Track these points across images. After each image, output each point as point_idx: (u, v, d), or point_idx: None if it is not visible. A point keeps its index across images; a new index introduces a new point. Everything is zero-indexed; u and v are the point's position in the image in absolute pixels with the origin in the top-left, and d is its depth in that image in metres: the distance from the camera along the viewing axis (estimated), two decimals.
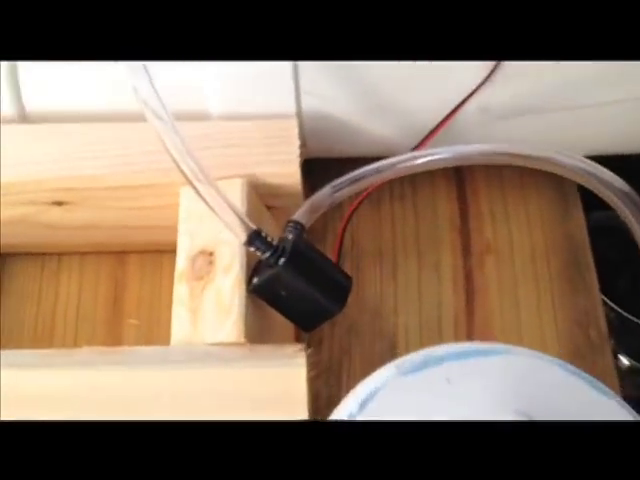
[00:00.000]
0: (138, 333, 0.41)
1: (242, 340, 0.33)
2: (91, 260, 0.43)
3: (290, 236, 0.34)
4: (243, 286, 0.34)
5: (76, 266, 0.43)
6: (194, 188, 0.32)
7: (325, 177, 0.45)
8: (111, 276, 0.42)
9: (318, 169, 0.44)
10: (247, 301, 0.34)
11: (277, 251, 0.33)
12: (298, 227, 0.35)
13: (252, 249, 0.33)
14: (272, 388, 0.32)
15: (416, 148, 0.40)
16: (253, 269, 0.35)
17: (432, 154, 0.37)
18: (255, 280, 0.34)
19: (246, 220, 0.33)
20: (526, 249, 0.44)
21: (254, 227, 0.33)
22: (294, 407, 0.31)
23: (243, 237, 0.33)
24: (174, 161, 0.32)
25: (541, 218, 0.45)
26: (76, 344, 0.41)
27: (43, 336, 0.41)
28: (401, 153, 0.43)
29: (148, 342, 0.41)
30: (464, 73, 0.38)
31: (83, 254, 0.43)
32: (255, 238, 0.33)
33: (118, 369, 0.32)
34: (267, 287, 0.34)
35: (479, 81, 0.38)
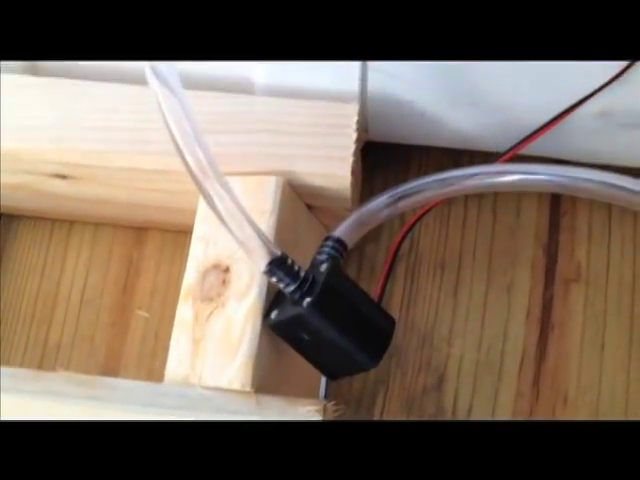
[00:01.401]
0: (146, 328, 0.35)
1: (248, 389, 0.27)
2: (105, 233, 0.37)
3: (323, 266, 0.27)
4: (259, 318, 0.27)
5: (88, 237, 0.37)
6: (200, 189, 0.25)
7: (389, 162, 0.37)
8: (125, 255, 0.36)
9: (383, 152, 0.37)
10: (261, 338, 0.27)
11: (304, 285, 0.26)
12: (337, 249, 0.28)
13: (273, 280, 0.26)
14: None
15: (510, 152, 0.31)
16: (275, 296, 0.28)
17: (530, 172, 0.28)
18: (274, 315, 0.27)
19: (268, 242, 0.26)
20: (625, 280, 0.36)
21: (278, 252, 0.26)
22: None
23: (262, 264, 0.26)
24: (176, 148, 0.25)
25: None
26: (77, 331, 0.36)
27: (42, 316, 0.36)
28: (482, 149, 0.35)
29: (157, 339, 0.35)
30: (586, 69, 0.29)
31: (97, 225, 0.37)
32: (278, 267, 0.26)
33: (94, 406, 0.26)
34: (287, 327, 0.27)
35: (603, 81, 0.29)
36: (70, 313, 0.36)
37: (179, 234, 0.36)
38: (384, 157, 0.37)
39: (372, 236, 0.37)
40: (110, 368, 0.35)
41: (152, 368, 0.35)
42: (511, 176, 0.28)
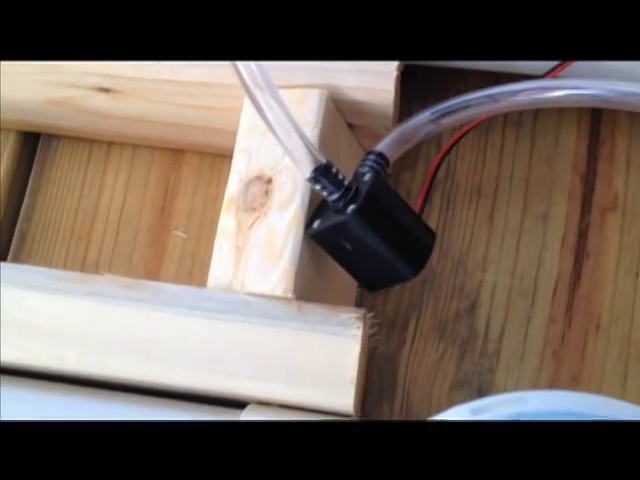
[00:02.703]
0: (184, 248, 0.36)
1: (290, 295, 0.27)
2: (143, 155, 0.37)
3: (367, 176, 0.27)
4: (301, 228, 0.28)
5: (126, 159, 0.37)
6: (251, 97, 0.25)
7: (428, 91, 0.37)
8: (163, 177, 0.37)
9: (421, 79, 0.37)
10: (303, 247, 0.28)
11: (348, 194, 0.26)
12: (380, 163, 0.28)
13: (317, 187, 0.27)
14: (316, 360, 0.26)
15: (550, 74, 0.31)
16: (317, 207, 0.28)
17: (574, 87, 0.28)
18: (316, 224, 0.28)
19: (314, 150, 0.26)
20: None
21: (323, 160, 0.26)
22: (338, 387, 0.26)
23: (307, 171, 0.26)
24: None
25: None
26: (115, 250, 0.36)
27: (81, 233, 0.36)
28: (522, 72, 0.34)
29: (194, 261, 0.36)
30: None
31: (135, 146, 0.37)
32: (323, 174, 0.26)
33: (140, 308, 0.27)
34: (330, 236, 0.27)
35: None
36: (109, 232, 0.36)
37: (216, 157, 0.37)
38: (422, 84, 0.37)
39: (408, 163, 0.37)
40: None
41: None
42: (559, 91, 0.28)
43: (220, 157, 0.36)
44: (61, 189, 0.37)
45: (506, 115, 0.37)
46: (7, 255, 0.36)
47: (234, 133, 0.31)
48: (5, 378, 0.27)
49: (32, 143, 0.38)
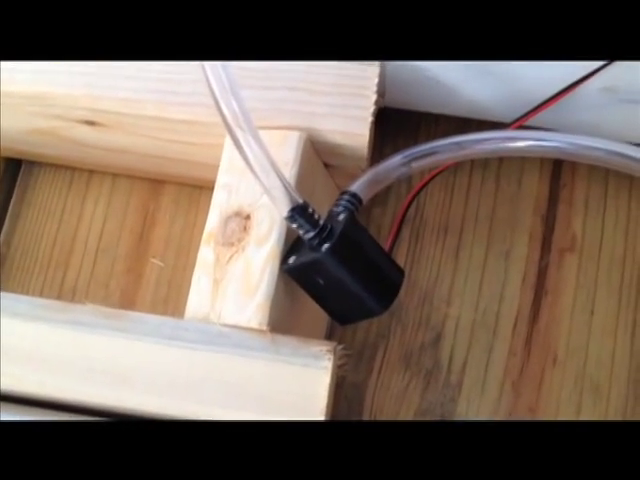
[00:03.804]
0: (160, 276, 0.37)
1: (264, 327, 0.28)
2: (123, 184, 0.38)
3: (341, 216, 0.29)
4: (277, 264, 0.29)
5: (106, 188, 0.38)
6: (232, 137, 0.26)
7: (400, 131, 0.39)
8: (142, 206, 0.38)
9: (393, 120, 0.38)
10: (278, 282, 0.29)
11: (322, 233, 0.28)
12: (353, 203, 0.30)
13: (293, 225, 0.28)
14: (288, 390, 0.27)
15: (518, 121, 0.33)
16: (292, 244, 0.30)
17: (537, 139, 0.30)
18: (291, 260, 0.29)
19: (291, 190, 0.27)
20: (617, 253, 0.38)
21: (300, 200, 0.28)
22: (308, 417, 0.27)
23: (285, 210, 0.27)
24: (213, 98, 0.26)
25: None
26: (92, 276, 0.37)
27: (60, 259, 0.37)
28: (489, 119, 0.36)
29: (170, 288, 0.37)
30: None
31: (115, 175, 0.38)
32: (299, 214, 0.27)
33: (120, 337, 0.28)
34: (304, 271, 0.29)
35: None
36: (86, 258, 0.37)
37: (194, 188, 0.38)
38: (394, 126, 0.39)
39: (379, 200, 0.38)
40: None
41: (164, 315, 0.37)
42: (522, 142, 0.30)
43: (198, 188, 0.38)
44: (41, 215, 0.38)
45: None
46: None
47: (213, 167, 0.32)
48: None
49: (14, 168, 0.39)
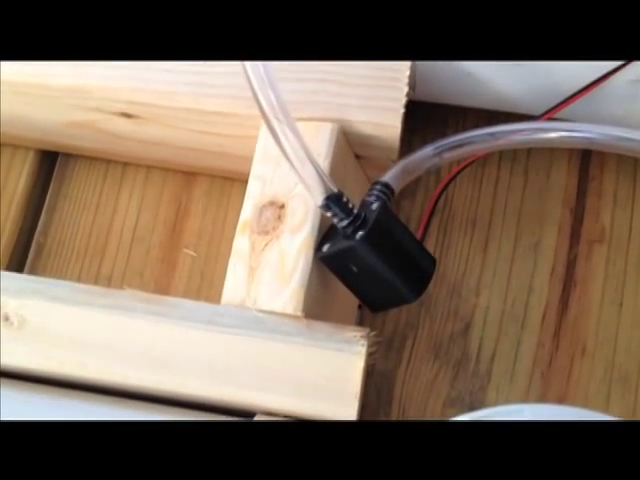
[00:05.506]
0: (193, 265, 0.37)
1: (299, 313, 0.29)
2: (157, 176, 0.39)
3: (374, 205, 0.29)
4: (311, 251, 0.30)
5: (140, 180, 0.39)
6: (270, 128, 0.27)
7: (429, 125, 0.39)
8: (175, 198, 0.39)
9: (422, 114, 0.39)
10: (312, 269, 0.29)
11: (356, 221, 0.28)
12: (386, 193, 0.30)
13: (328, 214, 0.29)
14: (322, 374, 0.28)
15: (548, 113, 0.33)
16: (326, 232, 0.30)
17: (569, 129, 0.30)
18: (325, 248, 0.30)
19: (326, 179, 0.28)
20: None
21: (334, 189, 0.28)
22: (342, 400, 0.28)
23: (319, 199, 0.28)
24: (252, 90, 0.27)
25: None
26: (127, 265, 0.38)
27: (95, 249, 0.38)
28: (519, 112, 0.37)
29: (202, 278, 0.37)
30: None
31: (149, 167, 0.39)
32: (334, 202, 0.28)
33: (159, 321, 0.29)
34: (338, 259, 0.29)
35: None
36: (122, 248, 0.38)
37: (226, 180, 0.39)
38: (422, 118, 0.39)
39: (408, 192, 0.39)
40: None
41: None
42: (554, 133, 0.31)
43: (230, 180, 0.38)
44: (77, 206, 0.39)
45: (502, 150, 0.40)
46: (24, 267, 0.38)
47: (246, 158, 0.33)
48: (30, 385, 0.28)
49: (50, 161, 0.40)
